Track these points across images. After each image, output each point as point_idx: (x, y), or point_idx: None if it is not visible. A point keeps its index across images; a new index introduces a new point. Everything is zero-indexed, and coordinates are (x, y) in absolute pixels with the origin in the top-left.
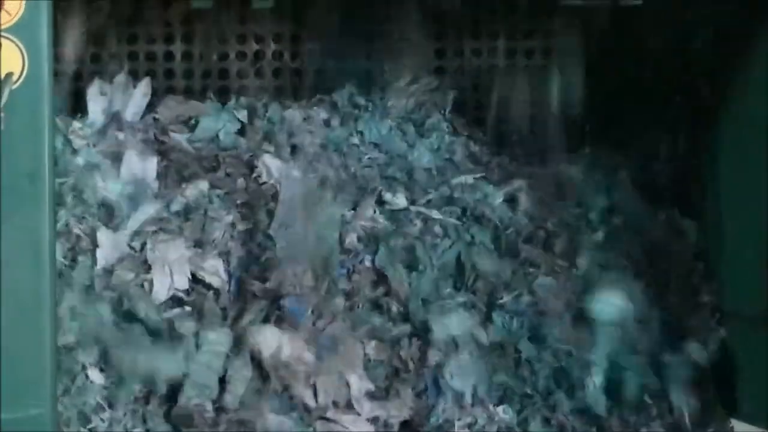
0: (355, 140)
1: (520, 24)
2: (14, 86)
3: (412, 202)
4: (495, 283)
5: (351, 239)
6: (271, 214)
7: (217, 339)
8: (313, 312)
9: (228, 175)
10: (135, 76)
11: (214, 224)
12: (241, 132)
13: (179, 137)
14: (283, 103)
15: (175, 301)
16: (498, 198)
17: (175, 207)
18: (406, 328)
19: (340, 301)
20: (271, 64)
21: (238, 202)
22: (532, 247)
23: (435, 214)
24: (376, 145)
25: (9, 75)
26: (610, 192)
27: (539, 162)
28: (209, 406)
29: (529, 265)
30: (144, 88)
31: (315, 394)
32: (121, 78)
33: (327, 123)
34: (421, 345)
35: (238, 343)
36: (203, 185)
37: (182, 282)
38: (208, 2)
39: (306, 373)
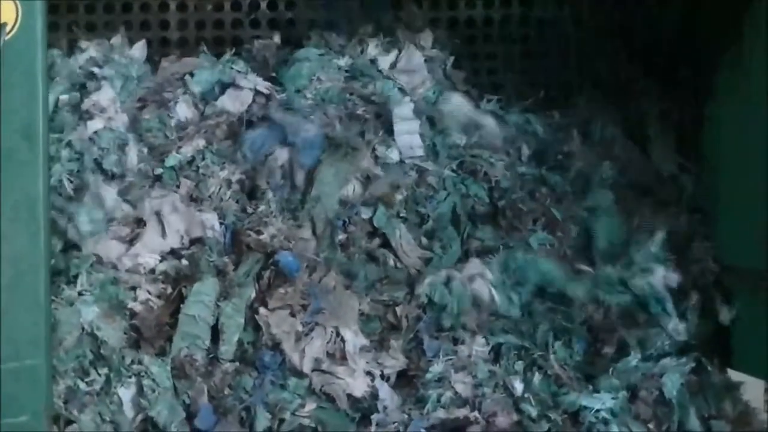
0: (350, 94)
1: None
2: (7, 37)
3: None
4: (491, 236)
5: (347, 191)
6: (270, 172)
7: (203, 289)
8: (307, 265)
9: (226, 137)
10: (129, 28)
11: (209, 180)
12: (237, 86)
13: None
14: (279, 55)
15: (172, 253)
16: (493, 151)
17: (170, 163)
18: (401, 288)
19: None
20: (266, 14)
21: (237, 170)
22: (529, 201)
23: (430, 165)
24: (370, 99)
25: (2, 26)
26: (608, 146)
27: (540, 117)
28: (200, 356)
29: (526, 219)
30: (140, 50)
31: (302, 359)
32: (117, 39)
33: (319, 78)
34: (418, 302)
35: (232, 295)
36: (199, 142)
37: (176, 237)
38: None
39: (296, 335)
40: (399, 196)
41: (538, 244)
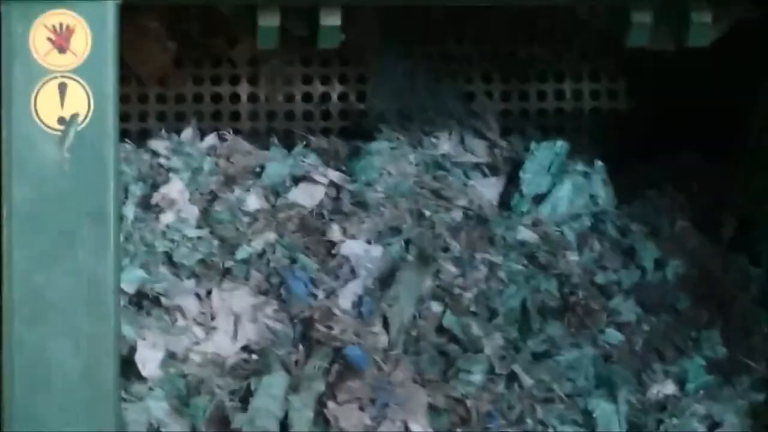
0: (420, 188)
1: (586, 66)
2: (80, 127)
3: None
4: (560, 332)
5: None
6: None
7: (273, 382)
8: (376, 359)
9: (297, 230)
10: (200, 118)
11: (278, 273)
12: (310, 179)
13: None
14: (350, 147)
15: (242, 347)
16: (565, 247)
17: (241, 255)
18: (471, 383)
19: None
20: (337, 105)
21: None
22: (598, 296)
23: (500, 260)
24: (440, 193)
25: (74, 116)
26: (676, 238)
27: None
28: None
29: (597, 317)
30: (210, 142)
31: None
32: (188, 132)
33: (390, 172)
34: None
35: (301, 388)
36: (270, 235)
37: (245, 331)
38: (274, 43)
39: (365, 428)
40: (469, 294)
41: (608, 343)
